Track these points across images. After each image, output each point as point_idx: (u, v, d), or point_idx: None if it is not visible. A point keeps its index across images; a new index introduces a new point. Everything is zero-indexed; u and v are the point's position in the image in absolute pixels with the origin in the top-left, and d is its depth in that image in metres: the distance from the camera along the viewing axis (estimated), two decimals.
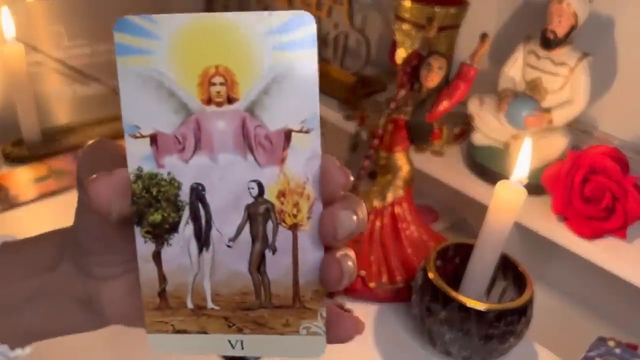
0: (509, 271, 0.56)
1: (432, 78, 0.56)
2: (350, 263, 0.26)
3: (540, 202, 0.61)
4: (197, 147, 0.25)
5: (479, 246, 0.52)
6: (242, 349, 0.28)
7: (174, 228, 0.26)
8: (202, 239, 0.26)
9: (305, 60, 0.24)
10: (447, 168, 0.69)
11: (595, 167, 0.56)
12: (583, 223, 0.57)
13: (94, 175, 0.25)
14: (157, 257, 0.26)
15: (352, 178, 0.26)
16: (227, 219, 0.26)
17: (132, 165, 0.25)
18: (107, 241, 0.28)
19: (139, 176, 0.25)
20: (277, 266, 0.26)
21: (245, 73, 0.24)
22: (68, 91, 0.86)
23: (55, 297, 0.30)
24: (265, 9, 0.93)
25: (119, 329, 0.31)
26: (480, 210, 0.54)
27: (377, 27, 0.88)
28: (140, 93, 0.24)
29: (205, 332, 0.27)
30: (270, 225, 0.26)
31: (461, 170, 0.68)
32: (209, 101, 0.25)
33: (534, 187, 0.58)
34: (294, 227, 0.26)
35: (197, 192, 0.26)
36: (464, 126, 0.71)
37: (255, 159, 0.25)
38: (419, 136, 0.59)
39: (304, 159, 0.25)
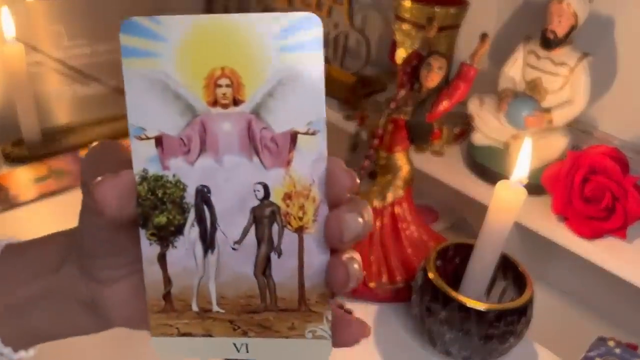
0: (509, 271, 0.56)
1: (432, 78, 0.56)
2: (356, 266, 0.26)
3: (540, 202, 0.61)
4: (202, 149, 0.25)
5: (479, 246, 0.52)
6: (247, 352, 0.28)
7: (179, 230, 0.26)
8: (208, 242, 0.26)
9: (311, 62, 0.24)
10: (447, 168, 0.69)
11: (595, 167, 0.56)
12: (583, 223, 0.57)
13: (99, 178, 0.25)
14: (162, 259, 0.26)
15: (358, 180, 0.26)
16: (232, 222, 0.26)
17: (137, 167, 0.25)
18: (112, 243, 0.28)
19: (144, 178, 0.25)
20: (283, 269, 0.26)
21: (251, 75, 0.24)
22: (68, 91, 0.86)
23: (59, 299, 0.30)
24: (265, 8, 0.93)
25: (123, 331, 0.31)
26: (480, 210, 0.54)
27: (377, 27, 0.88)
28: (145, 95, 0.24)
29: (210, 335, 0.27)
30: (275, 227, 0.26)
31: (461, 170, 0.68)
32: (214, 103, 0.25)
33: (534, 187, 0.58)
34: (299, 230, 0.26)
35: (203, 194, 0.25)
36: (464, 126, 0.70)
37: (261, 161, 0.25)
38: (419, 136, 0.59)
39: (310, 161, 0.25)
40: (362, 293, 0.61)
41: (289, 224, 0.26)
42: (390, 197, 0.61)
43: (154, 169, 0.25)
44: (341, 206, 0.25)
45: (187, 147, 0.25)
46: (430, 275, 0.53)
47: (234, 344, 0.27)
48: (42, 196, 0.73)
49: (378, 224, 0.62)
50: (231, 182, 0.25)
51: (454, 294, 0.51)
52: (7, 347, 0.31)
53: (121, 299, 0.29)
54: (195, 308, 0.27)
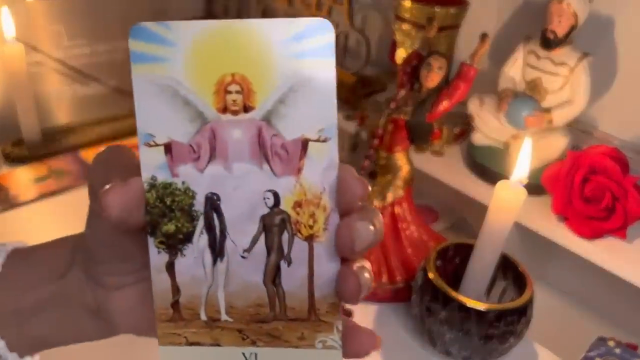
0: (509, 271, 0.56)
1: (432, 78, 0.56)
2: (367, 275, 0.25)
3: (540, 202, 0.61)
4: (212, 156, 0.25)
5: (479, 246, 0.52)
6: None
7: (188, 238, 0.26)
8: (217, 250, 0.26)
9: (323, 69, 0.24)
10: (447, 168, 0.69)
11: (595, 167, 0.56)
12: (583, 223, 0.57)
13: (108, 186, 0.25)
14: (170, 267, 0.26)
15: (369, 188, 0.25)
16: (242, 230, 0.25)
17: (146, 175, 0.25)
18: (119, 250, 0.27)
19: (152, 185, 0.25)
20: (293, 278, 0.26)
21: (262, 81, 0.24)
22: (68, 91, 0.86)
23: (65, 305, 0.30)
24: (265, 8, 0.93)
25: (128, 337, 0.31)
26: (480, 210, 0.54)
27: (377, 27, 0.88)
28: (155, 101, 0.24)
29: (218, 345, 0.27)
30: (285, 236, 0.25)
31: (461, 170, 0.68)
32: (224, 110, 0.24)
33: (534, 187, 0.58)
34: (309, 239, 0.25)
35: (212, 202, 0.25)
36: (464, 126, 0.70)
37: (271, 169, 0.25)
38: (419, 136, 0.59)
39: (321, 169, 0.25)
40: None
41: (299, 232, 0.25)
42: (390, 197, 0.61)
43: (162, 176, 0.25)
44: (352, 214, 0.25)
45: (197, 154, 0.25)
46: (430, 275, 0.53)
47: (243, 354, 0.27)
48: (42, 196, 0.73)
49: None
50: (241, 189, 0.25)
51: (454, 294, 0.51)
52: (12, 353, 0.31)
53: (128, 306, 0.29)
54: (203, 317, 0.27)
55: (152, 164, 0.25)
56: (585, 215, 0.57)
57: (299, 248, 0.25)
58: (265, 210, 0.25)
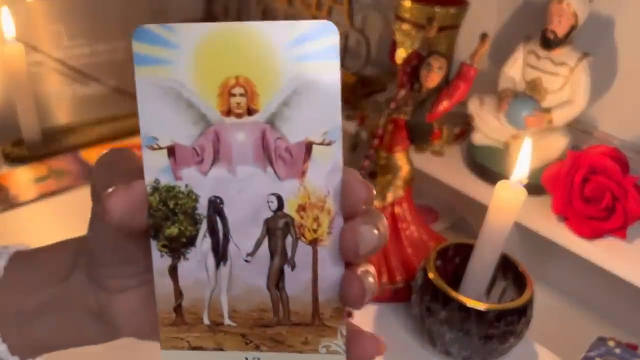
0: (509, 271, 0.56)
1: (432, 78, 0.56)
2: (371, 279, 0.25)
3: (540, 202, 0.61)
4: (215, 159, 0.25)
5: (479, 246, 0.52)
6: None
7: (191, 242, 0.25)
8: (220, 253, 0.26)
9: (327, 71, 0.23)
10: (447, 168, 0.69)
11: (595, 167, 0.56)
12: (583, 223, 0.57)
13: (110, 189, 0.24)
14: (173, 271, 0.26)
15: (374, 192, 0.25)
16: (245, 233, 0.25)
17: (149, 178, 0.25)
18: (121, 253, 0.27)
19: (155, 188, 0.25)
20: (296, 282, 0.26)
21: (266, 84, 0.24)
22: (68, 91, 0.86)
23: (67, 308, 0.30)
24: (265, 8, 0.93)
25: (132, 341, 0.30)
26: (480, 210, 0.54)
27: (377, 27, 0.88)
28: (158, 104, 0.24)
29: (221, 349, 0.27)
30: (289, 240, 0.25)
31: (461, 170, 0.68)
32: (228, 112, 0.24)
33: (534, 187, 0.58)
34: (313, 242, 0.25)
35: (215, 205, 0.25)
36: (464, 126, 0.71)
37: (275, 172, 0.24)
38: (419, 136, 0.59)
39: (325, 172, 0.24)
40: None
41: (303, 236, 0.25)
42: (390, 197, 0.61)
43: (166, 180, 0.25)
44: (356, 218, 0.25)
45: (200, 157, 0.24)
46: (430, 275, 0.53)
47: (246, 358, 0.27)
48: (42, 196, 0.73)
49: None
50: (244, 193, 0.25)
51: (454, 294, 0.51)
52: (14, 356, 0.31)
53: (130, 309, 0.28)
54: (206, 321, 0.26)
55: (155, 167, 0.24)
56: (585, 215, 0.57)
57: (303, 252, 0.25)
58: (269, 214, 0.25)
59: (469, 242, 0.55)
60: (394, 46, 0.74)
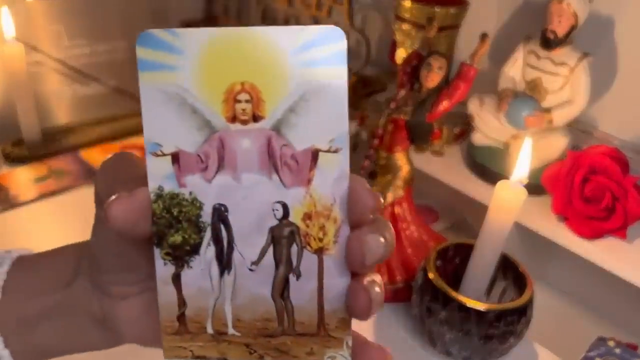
0: (509, 271, 0.56)
1: (432, 78, 0.56)
2: (377, 289, 0.25)
3: (540, 202, 0.61)
4: (220, 166, 0.24)
5: (479, 246, 0.52)
6: None
7: (194, 250, 0.25)
8: (224, 262, 0.25)
9: (334, 78, 0.23)
10: (447, 168, 0.68)
11: (595, 167, 0.56)
12: (583, 223, 0.57)
13: (114, 197, 0.24)
14: (176, 279, 0.25)
15: (382, 200, 0.25)
16: (250, 241, 0.25)
17: (152, 185, 0.24)
18: (125, 259, 0.27)
19: (159, 196, 0.24)
20: (301, 292, 0.25)
21: (271, 90, 0.23)
22: (68, 91, 0.86)
23: (70, 314, 0.30)
24: (265, 8, 0.93)
25: (135, 347, 0.30)
26: (480, 210, 0.54)
27: (377, 27, 0.88)
28: (162, 110, 0.24)
29: (225, 359, 0.26)
30: (294, 248, 0.25)
31: (461, 170, 0.68)
32: (233, 119, 0.24)
33: (534, 187, 0.58)
34: (319, 251, 0.25)
35: (220, 213, 0.25)
36: (464, 126, 0.70)
37: (281, 180, 0.24)
38: (419, 136, 0.59)
39: (332, 180, 0.24)
40: None
41: (309, 244, 0.25)
42: (390, 197, 0.61)
43: (169, 187, 0.24)
44: (363, 227, 0.24)
45: (205, 164, 0.24)
46: (430, 275, 0.53)
47: None
48: (42, 196, 0.73)
49: None
50: (249, 200, 0.24)
51: (454, 294, 0.51)
52: None
53: (133, 316, 0.28)
54: (210, 330, 0.26)
55: (159, 173, 0.24)
56: (585, 215, 0.57)
57: (309, 261, 0.25)
58: (274, 222, 0.25)
59: (469, 242, 0.55)
60: (394, 46, 0.74)
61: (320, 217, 0.24)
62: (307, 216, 0.25)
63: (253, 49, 0.23)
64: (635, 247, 0.56)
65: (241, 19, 0.99)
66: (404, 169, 0.61)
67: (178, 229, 0.25)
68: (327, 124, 0.24)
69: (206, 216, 0.25)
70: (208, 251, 0.25)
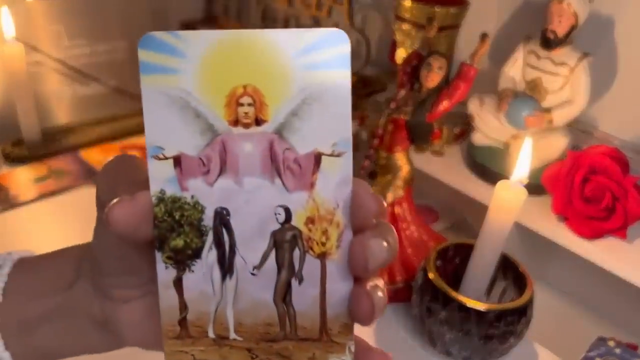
0: (509, 271, 0.56)
1: (432, 78, 0.56)
2: (380, 294, 0.25)
3: (540, 202, 0.61)
4: (222, 170, 0.24)
5: (479, 246, 0.52)
6: None
7: (196, 254, 0.25)
8: (226, 266, 0.25)
9: (337, 81, 0.23)
10: (447, 168, 0.69)
11: (595, 167, 0.56)
12: (583, 223, 0.57)
13: (115, 200, 0.24)
14: (178, 283, 0.25)
15: (385, 204, 0.24)
16: (252, 246, 0.25)
17: (154, 188, 0.24)
18: (127, 262, 0.27)
19: (161, 199, 0.24)
20: (304, 297, 0.25)
21: (274, 93, 0.23)
22: (68, 91, 0.86)
23: (71, 316, 0.29)
24: (265, 8, 0.93)
25: (136, 351, 0.30)
26: (480, 210, 0.54)
27: (377, 27, 0.88)
28: (164, 113, 0.23)
29: None
30: (297, 253, 0.25)
31: (461, 170, 0.68)
32: (236, 122, 0.24)
33: (534, 187, 0.58)
34: (322, 256, 0.25)
35: (222, 217, 0.24)
36: (464, 126, 0.70)
37: (283, 184, 0.24)
38: (419, 136, 0.59)
39: (335, 184, 0.24)
40: None
41: (311, 249, 0.25)
42: (390, 197, 0.61)
43: (171, 190, 0.24)
44: (366, 232, 0.24)
45: (207, 167, 0.24)
46: (430, 275, 0.53)
47: None
48: (42, 196, 0.73)
49: None
50: (251, 204, 0.24)
51: (454, 294, 0.51)
52: None
53: (135, 319, 0.28)
54: (211, 335, 0.26)
55: (161, 177, 0.24)
56: (585, 215, 0.57)
57: (311, 266, 0.25)
58: (276, 226, 0.24)
59: (469, 242, 0.55)
60: (394, 46, 0.74)
61: (323, 222, 0.24)
62: (310, 220, 0.24)
63: (256, 52, 0.23)
64: (635, 247, 0.56)
65: (241, 19, 0.99)
66: (404, 169, 0.61)
67: (180, 233, 0.25)
68: (330, 128, 0.23)
69: (208, 220, 0.24)
70: (210, 255, 0.25)
